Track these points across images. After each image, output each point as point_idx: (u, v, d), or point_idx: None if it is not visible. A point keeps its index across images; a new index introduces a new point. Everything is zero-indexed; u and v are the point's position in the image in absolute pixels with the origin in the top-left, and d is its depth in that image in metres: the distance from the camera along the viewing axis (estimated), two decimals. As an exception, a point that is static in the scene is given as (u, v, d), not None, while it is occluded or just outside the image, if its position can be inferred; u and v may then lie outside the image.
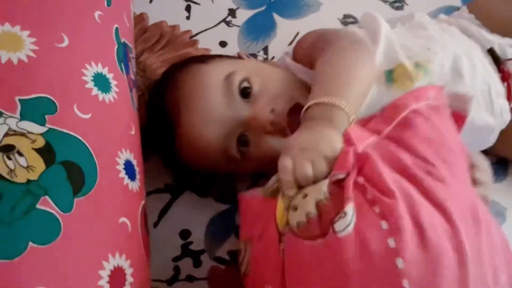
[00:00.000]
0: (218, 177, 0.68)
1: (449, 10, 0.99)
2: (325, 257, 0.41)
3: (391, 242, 0.40)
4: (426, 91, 0.55)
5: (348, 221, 0.41)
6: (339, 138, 0.47)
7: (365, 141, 0.47)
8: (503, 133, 0.72)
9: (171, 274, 0.63)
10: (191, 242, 0.66)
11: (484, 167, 0.57)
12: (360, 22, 0.79)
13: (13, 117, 0.41)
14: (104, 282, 0.40)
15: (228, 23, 0.89)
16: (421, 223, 0.41)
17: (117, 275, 0.42)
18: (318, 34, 0.69)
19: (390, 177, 0.43)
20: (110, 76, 0.51)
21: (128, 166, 0.49)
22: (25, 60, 0.44)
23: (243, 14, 0.91)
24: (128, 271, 0.44)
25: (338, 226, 0.41)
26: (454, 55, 0.68)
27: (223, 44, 0.86)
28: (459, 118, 0.58)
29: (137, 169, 0.52)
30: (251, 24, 0.90)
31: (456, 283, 0.40)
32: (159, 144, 0.66)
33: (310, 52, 0.65)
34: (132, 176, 0.50)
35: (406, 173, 0.44)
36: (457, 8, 1.00)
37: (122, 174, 0.48)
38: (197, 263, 0.64)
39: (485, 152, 0.75)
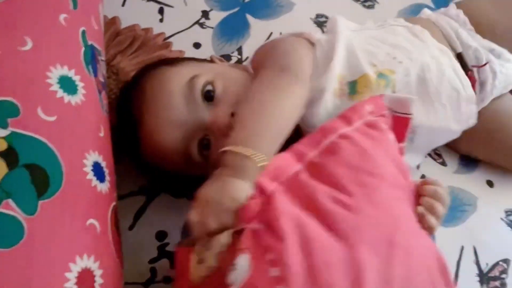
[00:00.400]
0: (192, 177, 0.68)
1: (420, 7, 1.01)
2: None
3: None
4: (364, 107, 0.58)
5: (239, 273, 0.42)
6: (245, 188, 0.48)
7: (280, 177, 0.49)
8: (467, 132, 0.73)
9: (147, 276, 0.63)
10: (167, 243, 0.66)
11: (439, 195, 0.56)
12: (327, 27, 0.78)
13: (-26, 121, 0.41)
14: (71, 284, 0.41)
15: (201, 25, 0.90)
16: (314, 265, 0.42)
17: (85, 277, 0.42)
18: (264, 51, 0.68)
19: (290, 217, 0.45)
20: (76, 78, 0.51)
21: (97, 167, 0.49)
22: (-13, 63, 0.44)
23: (217, 16, 0.92)
24: (97, 272, 0.44)
25: (230, 279, 0.42)
26: (421, 64, 0.68)
27: (197, 45, 0.87)
28: (403, 121, 0.60)
29: (106, 170, 0.52)
30: (225, 25, 0.91)
31: None
32: (126, 147, 0.66)
33: (258, 70, 0.64)
34: (101, 178, 0.50)
35: (314, 207, 0.46)
36: (428, 7, 1.02)
37: (90, 175, 0.48)
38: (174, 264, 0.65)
39: (451, 148, 0.79)
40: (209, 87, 0.61)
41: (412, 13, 1.00)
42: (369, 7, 1.00)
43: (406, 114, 0.61)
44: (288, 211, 0.46)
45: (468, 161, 0.80)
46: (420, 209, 0.54)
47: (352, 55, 0.67)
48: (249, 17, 0.92)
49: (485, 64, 0.73)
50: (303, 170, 0.51)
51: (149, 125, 0.61)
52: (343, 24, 0.72)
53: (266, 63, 0.63)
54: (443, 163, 0.79)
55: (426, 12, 0.81)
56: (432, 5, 1.02)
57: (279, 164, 0.50)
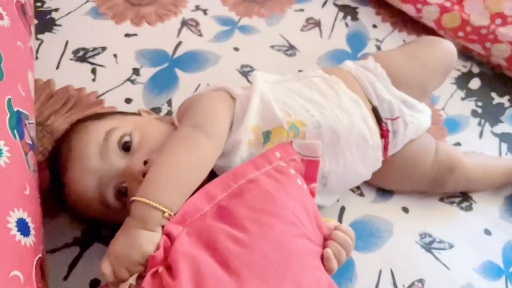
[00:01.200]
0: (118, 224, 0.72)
1: (337, 53, 1.12)
2: None
3: None
4: (274, 153, 0.65)
5: None
6: (152, 238, 0.55)
7: (188, 220, 0.56)
8: (378, 171, 0.80)
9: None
10: (101, 291, 0.69)
11: (346, 245, 0.63)
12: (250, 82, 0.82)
13: None
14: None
15: (132, 81, 0.96)
16: None
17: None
18: (184, 107, 0.72)
19: (187, 257, 0.53)
20: (1, 143, 0.56)
21: (21, 223, 0.54)
22: None
23: (147, 72, 0.97)
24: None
25: None
26: (332, 118, 0.72)
27: (128, 101, 0.92)
28: (313, 164, 0.68)
29: (31, 225, 0.56)
30: (155, 80, 0.96)
31: None
32: (56, 196, 0.70)
33: (179, 123, 0.69)
34: (25, 232, 0.54)
35: (213, 246, 0.54)
36: (345, 52, 1.13)
37: (14, 231, 0.52)
38: (108, 310, 0.68)
39: (367, 183, 0.85)
40: (126, 138, 0.66)
41: (331, 58, 1.09)
42: (290, 55, 1.09)
43: (315, 157, 0.68)
44: (185, 251, 0.53)
45: (385, 191, 0.87)
46: (328, 252, 0.61)
47: (268, 106, 0.71)
48: (177, 71, 0.99)
49: (397, 118, 0.79)
50: (210, 212, 0.57)
51: (69, 174, 0.66)
52: (261, 79, 0.76)
53: (183, 118, 0.68)
54: (361, 194, 0.86)
55: (347, 64, 0.85)
56: (349, 50, 1.13)
57: (188, 209, 0.57)
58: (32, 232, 0.56)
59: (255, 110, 0.71)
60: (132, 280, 0.54)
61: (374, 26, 1.20)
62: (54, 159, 0.70)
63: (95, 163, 0.65)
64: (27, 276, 0.51)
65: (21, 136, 0.62)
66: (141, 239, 0.54)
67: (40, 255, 0.56)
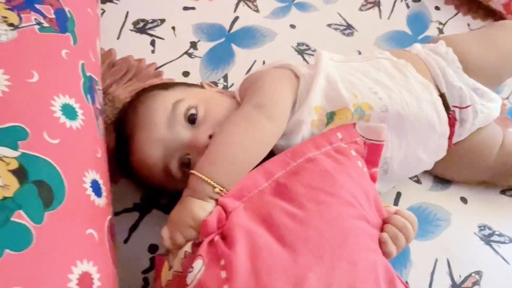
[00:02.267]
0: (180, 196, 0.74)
1: (397, 34, 1.09)
2: None
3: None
4: (335, 133, 0.64)
5: (194, 274, 0.51)
6: (204, 206, 0.58)
7: (245, 196, 0.58)
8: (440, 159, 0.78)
9: (140, 285, 0.68)
10: (158, 256, 0.71)
11: (406, 230, 0.61)
12: (313, 61, 0.79)
13: (-11, 143, 0.47)
14: (73, 284, 0.46)
15: (190, 55, 0.97)
16: (258, 269, 0.50)
17: (85, 279, 0.48)
18: (249, 83, 0.72)
19: (243, 228, 0.54)
20: (76, 106, 0.58)
21: (94, 184, 0.55)
22: (0, 94, 0.50)
23: (204, 46, 0.98)
24: (95, 275, 0.49)
25: (188, 279, 0.51)
26: (401, 102, 0.70)
27: (185, 74, 0.93)
28: (376, 148, 0.66)
29: (103, 187, 0.58)
30: (212, 54, 0.97)
31: None
32: (122, 164, 0.72)
33: (242, 99, 0.70)
34: (98, 193, 0.56)
35: (269, 221, 0.55)
36: (405, 34, 1.09)
37: (89, 191, 0.54)
38: (165, 275, 0.70)
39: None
40: (192, 111, 0.67)
41: (390, 40, 1.07)
42: (348, 35, 1.07)
43: (379, 141, 0.67)
44: (242, 223, 0.54)
45: (442, 180, 0.85)
46: (385, 236, 0.59)
47: (334, 87, 0.69)
48: (234, 47, 0.99)
49: (467, 106, 0.75)
50: (268, 188, 0.58)
51: (136, 142, 0.67)
52: (326, 58, 0.74)
53: (246, 96, 0.68)
54: (418, 181, 0.84)
55: (416, 47, 0.82)
56: (409, 32, 1.09)
57: (246, 184, 0.58)
58: (104, 193, 0.58)
59: (320, 90, 0.69)
60: (188, 248, 0.56)
61: (437, 8, 1.16)
62: (121, 126, 0.72)
63: (162, 132, 0.66)
64: (101, 235, 0.53)
65: (93, 101, 0.64)
66: (192, 204, 0.58)
67: (110, 216, 0.58)
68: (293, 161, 0.61)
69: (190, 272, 0.52)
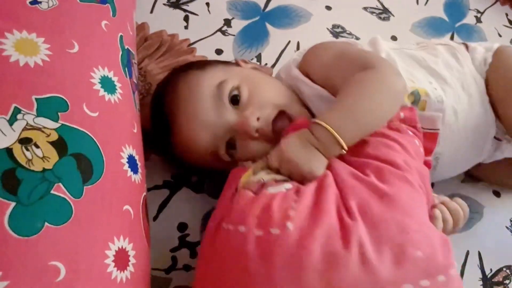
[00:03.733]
0: (212, 174, 0.73)
1: (434, 20, 1.06)
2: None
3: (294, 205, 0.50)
4: (399, 112, 0.62)
5: (279, 188, 0.52)
6: (324, 164, 0.55)
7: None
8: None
9: (169, 263, 0.68)
10: (188, 234, 0.71)
11: (456, 214, 0.59)
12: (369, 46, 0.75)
13: (30, 113, 0.46)
14: (110, 260, 0.45)
15: (223, 32, 0.95)
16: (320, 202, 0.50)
17: (121, 255, 0.47)
18: (337, 52, 0.68)
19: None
20: (115, 79, 0.56)
21: (131, 160, 0.54)
22: (40, 63, 0.49)
23: (238, 24, 0.96)
24: (131, 253, 0.49)
25: (271, 189, 0.53)
26: (454, 96, 0.68)
27: (218, 52, 0.92)
28: (431, 136, 0.64)
29: (139, 163, 0.57)
30: (245, 33, 0.95)
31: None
32: (159, 143, 0.71)
33: (328, 72, 0.66)
34: (134, 169, 0.55)
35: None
36: (442, 20, 1.06)
37: (126, 167, 0.53)
38: (193, 254, 0.69)
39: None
40: (235, 92, 0.65)
41: (426, 26, 1.05)
42: (384, 19, 1.04)
43: (434, 129, 0.66)
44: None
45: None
46: (436, 212, 0.57)
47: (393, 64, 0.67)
48: (268, 26, 0.97)
49: None
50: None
51: (180, 124, 0.66)
52: (382, 41, 0.73)
53: (339, 71, 0.64)
54: (452, 173, 0.82)
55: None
56: (446, 18, 1.07)
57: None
58: (139, 170, 0.57)
59: None
60: (269, 177, 0.55)
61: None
62: (159, 105, 0.70)
63: (209, 117, 0.64)
64: (136, 212, 0.52)
65: (130, 75, 0.62)
66: (317, 161, 0.55)
67: (145, 193, 0.57)
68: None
69: (277, 185, 0.52)
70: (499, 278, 0.72)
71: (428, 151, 0.64)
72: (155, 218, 0.71)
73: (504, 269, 0.73)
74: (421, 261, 0.46)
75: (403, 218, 0.49)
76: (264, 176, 0.55)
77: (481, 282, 0.71)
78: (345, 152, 0.56)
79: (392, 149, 0.57)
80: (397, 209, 0.50)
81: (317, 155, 0.55)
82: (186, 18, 0.96)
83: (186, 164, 0.71)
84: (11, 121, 0.45)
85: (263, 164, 0.58)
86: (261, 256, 0.47)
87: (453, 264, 0.48)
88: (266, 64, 0.91)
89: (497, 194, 0.82)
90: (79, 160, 0.47)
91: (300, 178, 0.55)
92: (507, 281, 0.72)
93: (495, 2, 1.13)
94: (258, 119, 0.63)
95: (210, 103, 0.64)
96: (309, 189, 0.53)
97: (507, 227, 0.78)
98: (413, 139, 0.61)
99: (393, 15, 1.05)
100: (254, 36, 0.95)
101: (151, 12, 0.95)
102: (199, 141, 0.65)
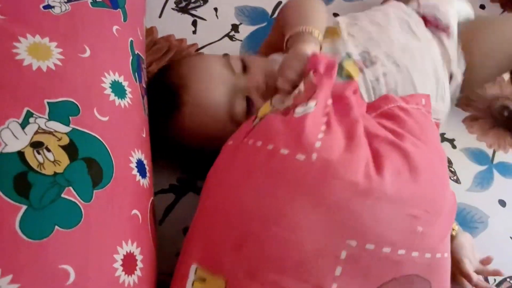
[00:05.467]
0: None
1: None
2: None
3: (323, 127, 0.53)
4: (420, 98, 0.66)
5: (305, 109, 0.53)
6: (308, 46, 0.64)
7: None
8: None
9: (174, 268, 0.68)
10: (193, 239, 0.71)
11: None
12: None
13: (42, 117, 0.46)
14: (118, 265, 0.46)
15: (231, 38, 0.95)
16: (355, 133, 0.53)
17: (129, 260, 0.47)
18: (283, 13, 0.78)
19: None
20: (125, 84, 0.57)
21: (140, 164, 0.55)
22: (53, 67, 0.50)
23: (246, 30, 0.97)
24: (139, 257, 0.49)
25: (296, 111, 0.53)
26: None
27: (226, 57, 0.92)
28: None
29: (147, 168, 0.57)
30: (253, 38, 0.96)
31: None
32: (162, 125, 0.70)
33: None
34: (143, 174, 0.55)
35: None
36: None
37: (135, 171, 0.53)
38: (198, 259, 0.69)
39: None
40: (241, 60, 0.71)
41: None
42: None
43: (436, 119, 0.69)
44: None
45: (482, 179, 0.83)
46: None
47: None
48: (276, 32, 0.98)
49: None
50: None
51: (194, 89, 0.67)
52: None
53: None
54: (457, 181, 0.82)
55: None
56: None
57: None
58: (148, 174, 0.57)
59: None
60: (289, 101, 0.57)
61: (482, 6, 1.12)
62: (164, 80, 0.70)
63: (224, 76, 0.68)
64: (144, 216, 0.53)
65: (140, 80, 0.63)
66: (298, 47, 0.64)
67: (152, 197, 0.58)
68: (385, 105, 0.62)
69: (302, 106, 0.53)
70: (503, 288, 0.72)
71: None
72: (161, 222, 0.72)
73: (508, 279, 0.73)
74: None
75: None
76: (282, 104, 0.58)
77: (485, 293, 0.71)
78: (318, 34, 0.67)
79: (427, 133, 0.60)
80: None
81: (296, 45, 0.64)
82: (194, 23, 0.96)
83: (186, 146, 0.71)
84: (24, 124, 0.45)
85: (277, 97, 0.61)
86: (283, 176, 0.49)
87: None
88: (272, 70, 0.92)
89: (502, 203, 0.81)
90: (90, 164, 0.47)
91: (302, 65, 0.59)
92: (510, 292, 0.71)
93: (502, 12, 1.12)
94: (264, 80, 0.69)
95: (221, 65, 0.69)
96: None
97: (511, 238, 0.77)
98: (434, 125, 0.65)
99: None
100: (261, 42, 0.95)
101: (160, 16, 0.96)
102: (216, 96, 0.67)
